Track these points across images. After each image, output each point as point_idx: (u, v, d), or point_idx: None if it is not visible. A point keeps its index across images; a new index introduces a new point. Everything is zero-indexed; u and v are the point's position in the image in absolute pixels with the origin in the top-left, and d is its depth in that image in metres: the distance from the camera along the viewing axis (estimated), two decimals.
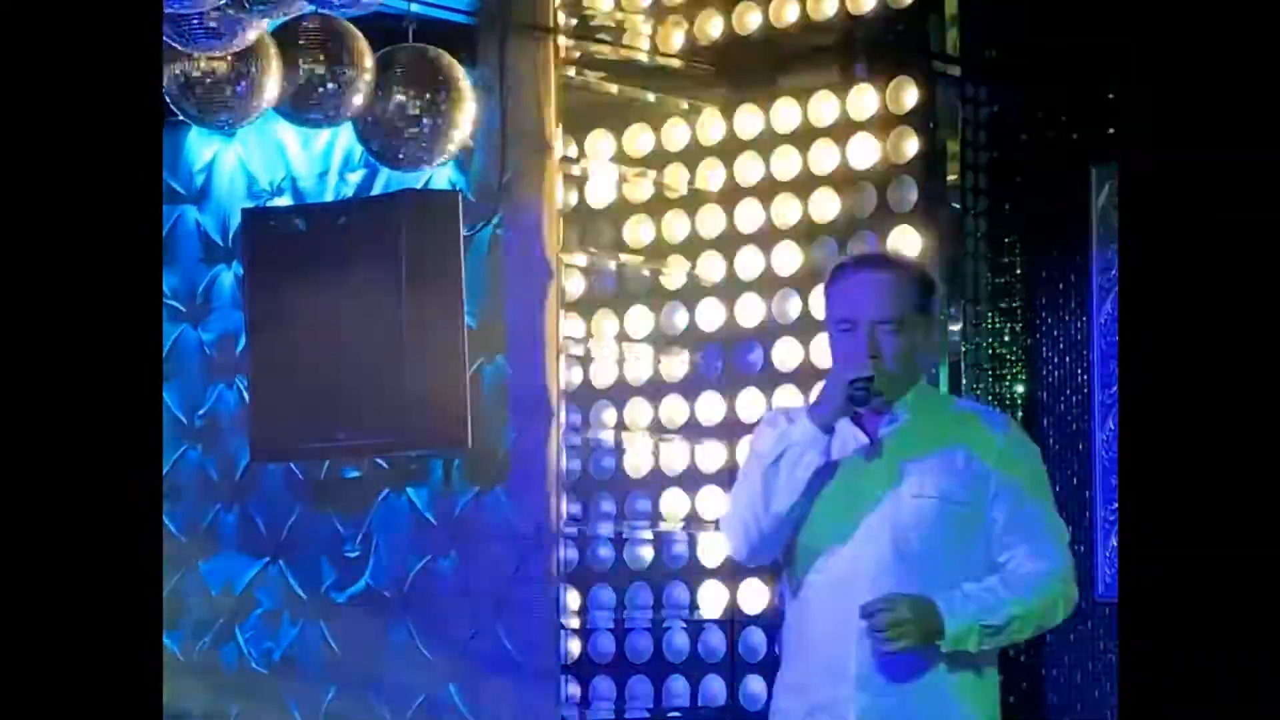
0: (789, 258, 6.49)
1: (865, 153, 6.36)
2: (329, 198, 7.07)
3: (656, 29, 6.78)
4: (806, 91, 6.49)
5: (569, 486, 6.64)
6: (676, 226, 6.74)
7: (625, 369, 6.74)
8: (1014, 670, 6.31)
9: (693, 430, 6.62)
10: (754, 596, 6.41)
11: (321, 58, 6.25)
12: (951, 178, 6.43)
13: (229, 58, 6.10)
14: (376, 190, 6.95)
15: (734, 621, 6.47)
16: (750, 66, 6.63)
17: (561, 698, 6.58)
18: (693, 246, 6.69)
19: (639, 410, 6.70)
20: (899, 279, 4.53)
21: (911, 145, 6.30)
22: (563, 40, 6.61)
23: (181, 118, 6.44)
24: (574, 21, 6.66)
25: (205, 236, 7.40)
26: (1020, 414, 6.48)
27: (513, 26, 6.63)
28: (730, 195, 6.63)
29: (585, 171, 6.73)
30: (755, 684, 6.37)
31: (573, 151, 6.71)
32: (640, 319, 6.74)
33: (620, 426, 6.72)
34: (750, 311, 6.56)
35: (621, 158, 6.81)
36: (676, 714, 6.55)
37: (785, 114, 6.52)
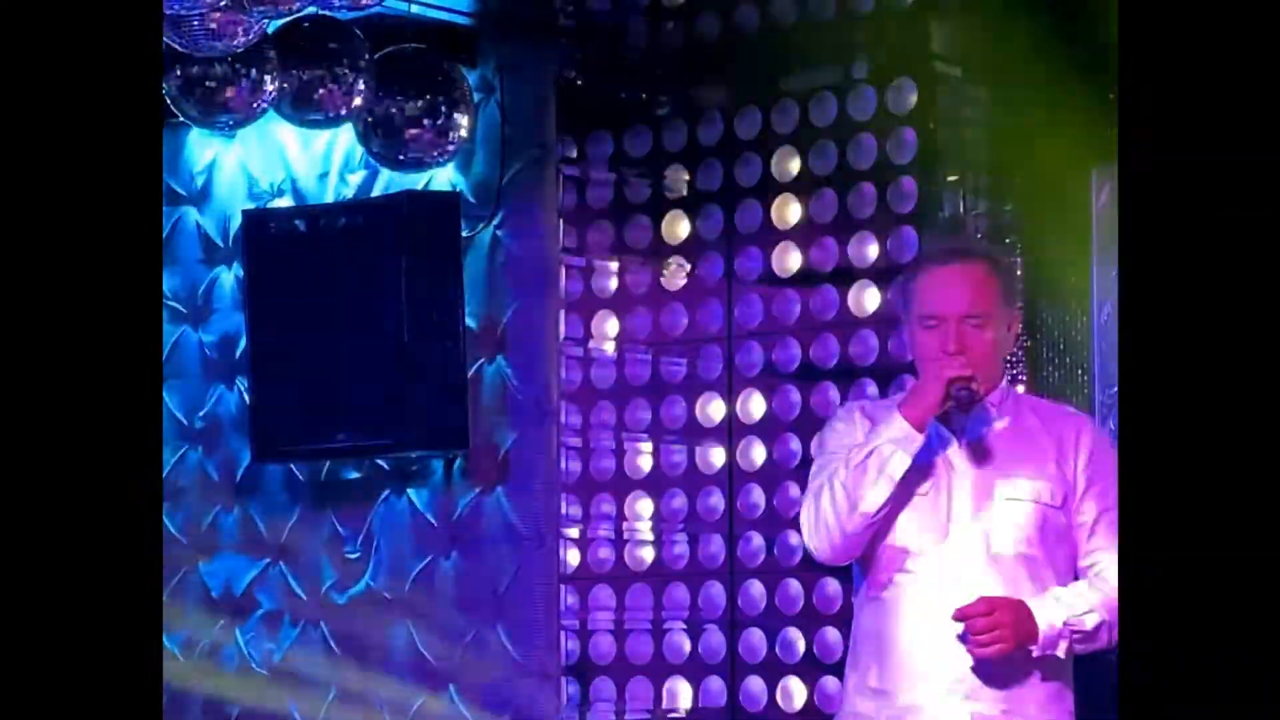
0: (789, 258, 6.48)
1: (865, 153, 6.36)
2: (329, 199, 7.05)
3: (656, 29, 6.77)
4: (807, 91, 6.50)
5: (569, 487, 6.64)
6: (677, 226, 6.74)
7: (625, 370, 6.73)
8: None
9: (693, 431, 6.62)
10: (753, 597, 6.42)
11: (322, 58, 6.26)
12: (951, 178, 6.42)
13: (229, 58, 6.10)
14: (377, 191, 6.94)
15: (734, 623, 6.47)
16: (750, 66, 6.63)
17: (561, 699, 6.57)
18: (693, 246, 6.70)
19: (639, 411, 6.70)
20: (987, 271, 4.44)
21: (911, 145, 6.29)
22: (562, 41, 6.62)
23: (182, 118, 6.45)
24: (574, 22, 6.66)
25: (206, 238, 7.40)
26: None
27: (512, 27, 6.63)
28: (730, 195, 6.63)
29: (585, 172, 6.73)
30: (755, 684, 6.36)
31: (572, 152, 6.71)
32: (640, 320, 6.74)
33: (620, 427, 6.72)
34: (750, 311, 6.55)
35: (621, 158, 6.81)
36: (676, 715, 6.54)
37: (785, 114, 6.52)
